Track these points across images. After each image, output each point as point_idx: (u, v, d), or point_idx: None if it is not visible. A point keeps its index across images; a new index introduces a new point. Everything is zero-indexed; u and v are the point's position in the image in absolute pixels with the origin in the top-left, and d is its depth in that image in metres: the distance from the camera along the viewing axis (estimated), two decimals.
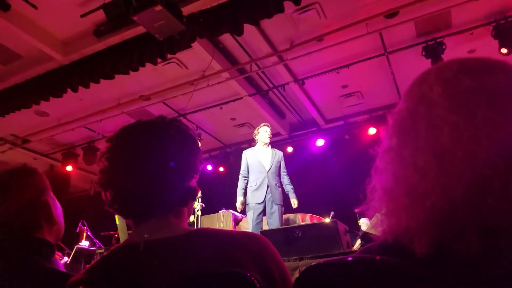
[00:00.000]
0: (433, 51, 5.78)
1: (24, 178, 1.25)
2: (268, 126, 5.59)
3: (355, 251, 3.78)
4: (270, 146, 5.58)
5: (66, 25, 5.54)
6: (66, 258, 6.31)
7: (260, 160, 5.37)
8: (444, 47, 5.77)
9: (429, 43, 5.86)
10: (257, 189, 5.22)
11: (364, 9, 5.29)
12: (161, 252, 0.95)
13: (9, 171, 1.24)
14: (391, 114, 0.76)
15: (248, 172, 5.42)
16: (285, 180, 5.48)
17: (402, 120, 0.72)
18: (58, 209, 1.33)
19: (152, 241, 0.97)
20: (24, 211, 1.21)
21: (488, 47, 5.67)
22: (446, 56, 5.71)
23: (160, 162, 1.01)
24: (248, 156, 5.47)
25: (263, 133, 5.50)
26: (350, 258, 0.69)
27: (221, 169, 9.66)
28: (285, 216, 5.75)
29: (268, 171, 5.29)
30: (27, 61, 6.12)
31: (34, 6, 5.06)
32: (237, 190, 5.40)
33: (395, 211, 0.69)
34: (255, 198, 5.19)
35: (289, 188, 5.47)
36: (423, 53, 5.87)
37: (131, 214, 1.05)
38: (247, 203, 5.29)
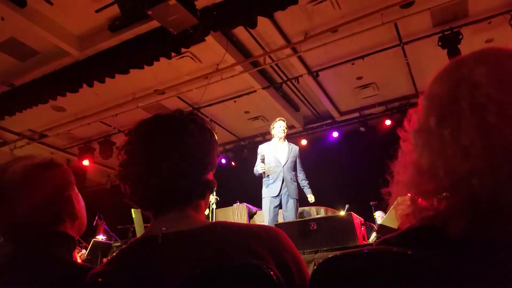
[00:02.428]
0: (450, 41, 5.67)
1: (49, 172, 1.27)
2: (284, 121, 5.56)
3: (370, 244, 3.77)
4: (286, 140, 5.57)
5: (81, 21, 5.59)
6: (83, 251, 6.42)
7: (276, 155, 5.37)
8: (460, 37, 5.66)
9: (445, 33, 5.75)
10: (272, 182, 5.23)
11: None
12: (179, 244, 0.95)
13: (35, 164, 1.25)
14: (423, 97, 0.76)
15: None
16: (301, 175, 5.48)
17: (440, 102, 0.71)
18: (81, 204, 1.35)
19: (170, 234, 0.98)
20: (47, 204, 1.22)
21: (506, 37, 5.54)
22: (463, 46, 5.60)
23: (179, 155, 1.01)
24: (263, 151, 5.46)
25: (277, 128, 5.49)
26: (366, 250, 0.68)
27: (235, 162, 9.68)
28: (300, 209, 5.75)
29: (283, 166, 5.29)
30: (44, 57, 6.20)
31: (50, 2, 5.13)
32: (255, 167, 5.37)
33: (430, 191, 0.67)
34: (270, 191, 5.20)
35: (304, 183, 5.47)
36: (439, 43, 5.77)
37: (150, 207, 1.06)
38: (263, 197, 5.30)
